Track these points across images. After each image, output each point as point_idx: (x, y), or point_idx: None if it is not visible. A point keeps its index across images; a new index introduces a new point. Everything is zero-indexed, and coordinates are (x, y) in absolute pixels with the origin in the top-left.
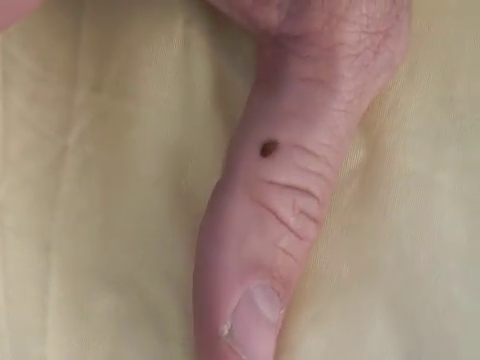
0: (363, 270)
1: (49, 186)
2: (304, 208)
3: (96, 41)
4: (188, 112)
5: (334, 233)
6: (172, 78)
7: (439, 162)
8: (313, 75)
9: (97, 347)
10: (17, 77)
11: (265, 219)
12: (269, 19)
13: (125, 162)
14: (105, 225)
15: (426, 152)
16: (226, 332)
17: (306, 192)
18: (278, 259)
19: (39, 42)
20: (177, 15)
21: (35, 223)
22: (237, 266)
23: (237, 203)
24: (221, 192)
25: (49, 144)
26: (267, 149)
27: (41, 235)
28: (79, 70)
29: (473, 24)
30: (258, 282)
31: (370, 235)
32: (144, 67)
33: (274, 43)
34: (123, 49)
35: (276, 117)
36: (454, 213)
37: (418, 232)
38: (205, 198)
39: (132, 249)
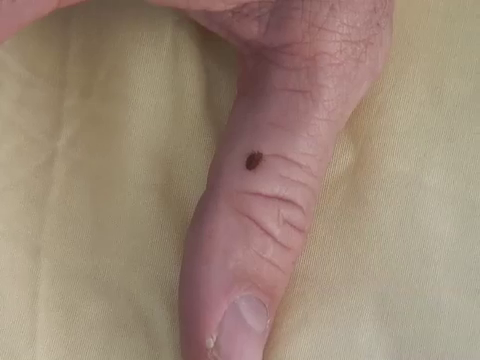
0: (352, 272)
1: (38, 190)
2: (289, 218)
3: (85, 45)
4: (177, 117)
5: (323, 236)
6: (161, 83)
7: (427, 163)
8: (295, 85)
9: (86, 352)
10: (6, 81)
11: (249, 231)
12: (249, 31)
13: (114, 167)
14: (94, 230)
15: (414, 153)
16: (212, 345)
17: (290, 202)
18: (263, 270)
19: (27, 46)
20: (166, 17)
21: (24, 227)
22: (222, 278)
23: (221, 215)
24: (205, 205)
25: (38, 148)
26: (251, 161)
27: (30, 239)
28: (68, 74)
29: (460, 26)
30: (243, 294)
31: (359, 238)
32: (133, 71)
33: (255, 54)
34: (112, 53)
35: (259, 129)
36: (442, 214)
37: (406, 234)
38: (194, 205)
39: (121, 254)
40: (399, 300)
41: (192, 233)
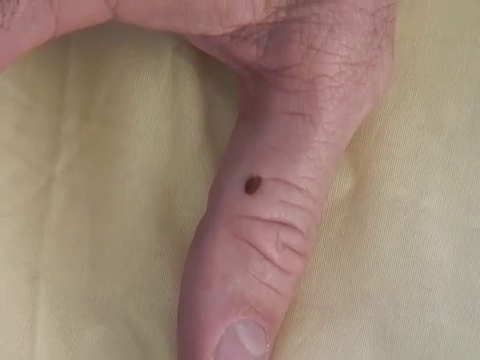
0: (351, 299)
1: (37, 215)
2: (288, 242)
3: (84, 70)
4: (176, 144)
5: (322, 263)
6: (160, 109)
7: (426, 189)
8: (295, 108)
9: None
10: (4, 106)
11: (248, 256)
12: (248, 54)
13: (113, 193)
14: (93, 255)
15: (414, 178)
16: None
17: (290, 226)
18: (262, 294)
19: (26, 71)
20: (166, 42)
21: (23, 252)
22: (220, 303)
23: (220, 240)
24: (204, 229)
25: (37, 173)
26: (251, 185)
27: (29, 264)
28: (66, 99)
29: (459, 51)
30: (241, 318)
31: (358, 264)
32: (132, 97)
33: (255, 77)
34: (111, 78)
35: (259, 153)
36: (441, 240)
37: (405, 260)
38: (193, 232)
39: (120, 279)
40: (398, 326)
41: (191, 257)
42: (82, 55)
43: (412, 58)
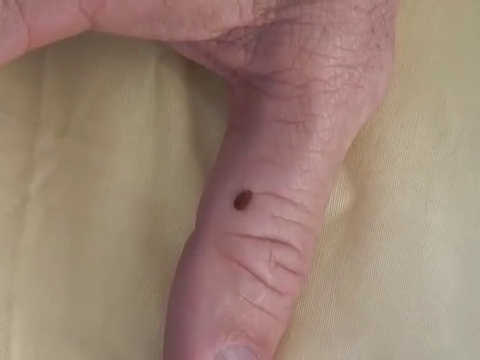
0: (350, 321)
1: (10, 236)
2: (282, 261)
3: (61, 81)
4: (161, 158)
5: (319, 282)
6: (144, 122)
7: (430, 203)
8: (287, 116)
9: None
10: None
11: (239, 276)
12: (236, 60)
13: (92, 213)
14: (71, 280)
15: (416, 192)
16: None
17: (284, 243)
18: (254, 318)
19: None
20: (149, 52)
21: None
22: (207, 327)
23: (208, 260)
24: (192, 248)
25: (10, 192)
26: (241, 200)
27: (2, 288)
28: (42, 113)
29: (462, 62)
30: (230, 343)
31: (357, 284)
32: (114, 110)
33: (245, 84)
34: (91, 90)
35: (250, 165)
36: (446, 258)
37: (407, 278)
38: (179, 251)
39: (101, 304)
40: (399, 348)
41: (178, 278)
42: (59, 65)
43: (414, 65)
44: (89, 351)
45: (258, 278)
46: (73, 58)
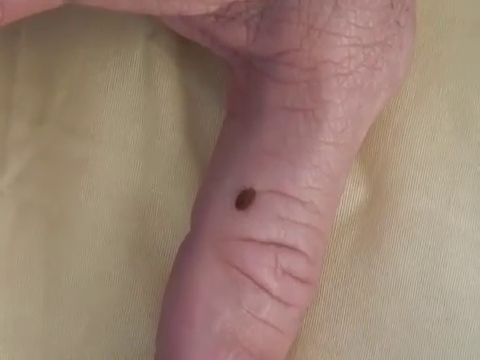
0: (362, 333)
1: None
2: (289, 268)
3: (36, 62)
4: (152, 151)
5: (330, 290)
6: (131, 108)
7: (453, 201)
8: (294, 102)
9: None
10: None
11: (240, 285)
12: (236, 38)
13: (72, 212)
14: (48, 287)
15: (438, 189)
16: None
17: (291, 248)
18: (258, 333)
19: None
20: (137, 29)
21: None
22: (206, 344)
23: (205, 267)
24: (188, 253)
25: None
26: (243, 199)
27: None
28: (15, 97)
29: None
30: None
31: (372, 292)
32: (96, 94)
33: (246, 66)
34: (70, 71)
35: (252, 159)
36: (469, 263)
37: (428, 286)
38: (172, 257)
39: (82, 317)
40: None
41: (171, 288)
42: (35, 43)
43: (436, 41)
44: None
45: (262, 288)
46: (51, 35)
